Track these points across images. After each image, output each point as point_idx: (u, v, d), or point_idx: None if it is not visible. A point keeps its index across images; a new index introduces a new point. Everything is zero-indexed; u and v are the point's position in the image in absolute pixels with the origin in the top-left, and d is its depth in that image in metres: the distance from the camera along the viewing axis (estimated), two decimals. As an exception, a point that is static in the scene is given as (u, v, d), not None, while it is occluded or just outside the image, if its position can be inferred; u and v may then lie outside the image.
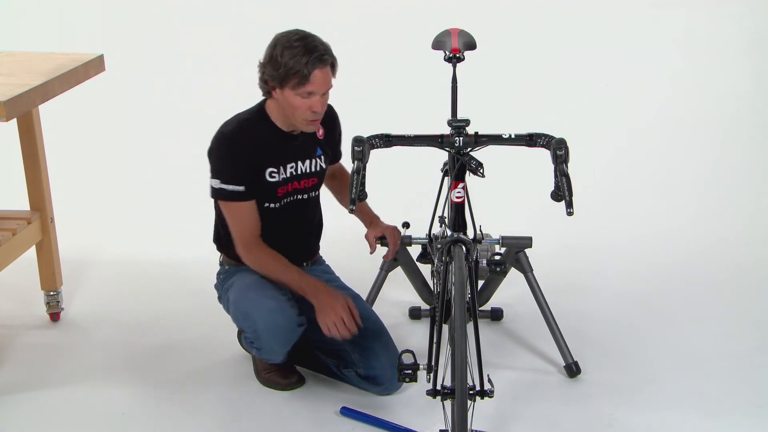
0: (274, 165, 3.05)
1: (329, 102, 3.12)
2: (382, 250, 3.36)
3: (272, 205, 3.09)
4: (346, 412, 3.02)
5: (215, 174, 3.03)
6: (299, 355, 3.20)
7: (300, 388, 3.19)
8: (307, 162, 3.12)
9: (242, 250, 3.07)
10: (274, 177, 3.05)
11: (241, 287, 3.09)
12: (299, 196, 3.14)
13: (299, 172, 3.11)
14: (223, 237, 3.18)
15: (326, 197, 3.35)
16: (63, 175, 4.22)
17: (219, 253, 3.27)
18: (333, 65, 2.94)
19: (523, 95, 5.25)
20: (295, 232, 3.18)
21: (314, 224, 3.27)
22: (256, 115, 3.06)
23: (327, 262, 3.38)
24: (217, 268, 3.28)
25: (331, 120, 3.20)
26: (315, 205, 3.24)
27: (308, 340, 3.13)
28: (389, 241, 3.32)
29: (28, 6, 5.55)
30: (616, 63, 5.34)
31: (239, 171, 3.00)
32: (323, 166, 3.19)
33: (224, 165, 3.01)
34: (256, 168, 3.02)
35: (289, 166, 3.08)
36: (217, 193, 3.04)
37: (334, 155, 3.27)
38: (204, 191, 4.08)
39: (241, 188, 3.00)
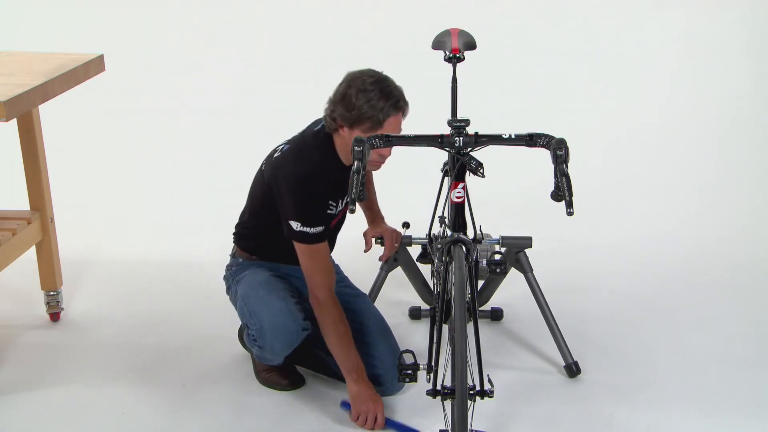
0: (334, 199, 3.00)
1: None
2: (378, 249, 3.36)
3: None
4: (348, 407, 3.03)
5: (295, 216, 2.92)
6: (300, 355, 3.20)
7: (300, 388, 3.19)
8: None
9: (322, 302, 2.99)
10: (332, 209, 3.01)
11: (252, 283, 3.09)
12: (341, 220, 3.15)
13: (344, 203, 3.08)
14: (246, 236, 3.17)
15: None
16: (63, 175, 4.22)
17: (231, 247, 3.26)
18: (404, 111, 2.90)
19: (523, 95, 5.26)
20: None
21: (336, 236, 3.25)
22: (327, 153, 2.97)
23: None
24: (220, 265, 3.28)
25: None
26: (339, 227, 3.22)
27: (310, 338, 3.13)
28: (386, 243, 3.32)
29: (28, 6, 5.55)
30: (616, 63, 5.34)
31: (321, 213, 2.94)
32: None
33: (306, 208, 2.93)
34: (324, 204, 2.98)
35: (342, 198, 3.04)
36: (299, 237, 2.94)
37: None
38: (204, 191, 4.10)
39: (320, 229, 2.94)
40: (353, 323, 3.09)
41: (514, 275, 3.41)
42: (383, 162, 2.95)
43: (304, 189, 2.92)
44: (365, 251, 3.34)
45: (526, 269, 3.35)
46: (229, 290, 3.24)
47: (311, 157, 2.96)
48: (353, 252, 3.65)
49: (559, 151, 2.65)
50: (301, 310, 3.03)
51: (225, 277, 3.26)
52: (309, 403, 3.12)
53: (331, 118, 2.90)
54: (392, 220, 3.43)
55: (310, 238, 2.94)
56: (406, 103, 2.91)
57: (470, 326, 2.68)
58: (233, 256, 3.25)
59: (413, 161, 4.19)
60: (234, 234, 3.26)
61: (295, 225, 2.93)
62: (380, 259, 3.42)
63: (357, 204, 2.66)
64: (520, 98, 5.22)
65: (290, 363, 3.20)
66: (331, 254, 3.35)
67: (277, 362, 3.12)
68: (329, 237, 3.10)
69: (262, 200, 3.08)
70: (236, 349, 3.41)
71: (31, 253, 3.56)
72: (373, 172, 3.32)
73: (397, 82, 2.92)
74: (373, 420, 2.96)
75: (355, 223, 3.35)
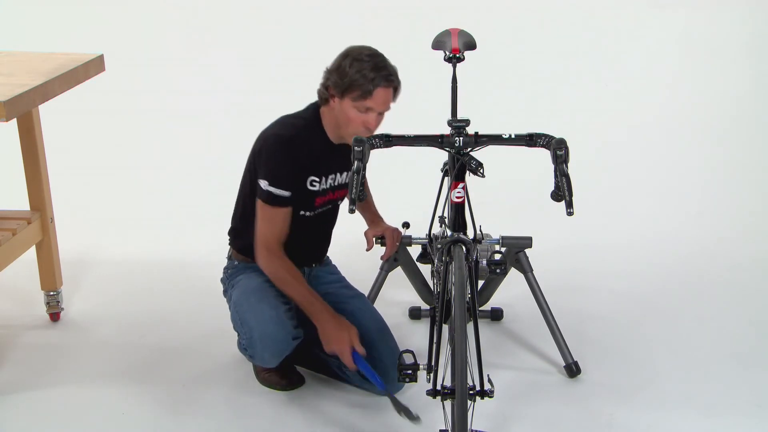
0: (317, 174, 3.05)
1: None
2: (378, 249, 3.36)
3: (307, 213, 3.09)
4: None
5: (265, 175, 2.99)
6: (299, 355, 3.20)
7: (300, 388, 3.19)
8: (345, 174, 3.13)
9: (262, 253, 3.04)
10: (314, 186, 3.05)
11: (244, 289, 3.09)
12: (329, 207, 3.16)
13: (336, 183, 3.12)
14: (240, 232, 3.18)
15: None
16: (63, 175, 4.21)
17: (228, 248, 3.27)
18: (396, 89, 2.97)
19: (523, 95, 5.26)
20: (315, 238, 3.20)
21: (332, 230, 3.28)
22: (312, 122, 3.04)
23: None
24: (219, 265, 3.28)
25: None
26: (335, 214, 3.24)
27: (309, 339, 3.13)
28: (387, 242, 3.32)
29: (28, 6, 5.55)
30: (616, 63, 5.34)
31: (290, 176, 2.99)
32: None
33: (276, 168, 2.98)
34: (302, 176, 3.02)
35: (330, 176, 3.08)
36: (264, 196, 2.99)
37: None
38: (204, 191, 4.10)
39: (287, 194, 2.99)
40: (348, 316, 3.10)
41: (514, 275, 3.41)
42: (369, 135, 2.92)
43: (279, 149, 2.99)
44: (367, 250, 3.34)
45: (526, 269, 3.35)
46: (225, 293, 3.25)
47: (294, 124, 3.04)
48: (353, 252, 3.66)
49: (559, 151, 2.66)
50: (293, 317, 3.02)
51: (222, 280, 3.27)
52: (309, 403, 3.12)
53: (324, 86, 2.99)
54: (392, 220, 3.43)
55: (275, 199, 2.98)
56: (398, 81, 2.97)
57: (470, 326, 2.69)
58: (229, 258, 3.26)
59: (413, 161, 4.19)
60: (228, 234, 3.26)
61: (264, 183, 2.99)
62: (381, 258, 3.42)
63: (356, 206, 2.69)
64: (520, 98, 5.22)
65: (289, 363, 3.20)
66: (329, 256, 3.37)
67: (272, 366, 3.12)
68: (320, 225, 3.14)
69: (251, 189, 3.10)
70: (236, 349, 3.40)
71: (31, 253, 3.56)
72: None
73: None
74: (350, 356, 2.95)
75: (355, 223, 3.36)
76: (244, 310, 3.04)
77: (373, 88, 2.89)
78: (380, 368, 3.06)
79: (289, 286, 3.03)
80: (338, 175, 3.12)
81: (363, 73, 2.88)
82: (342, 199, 3.20)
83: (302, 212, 3.08)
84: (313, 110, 3.06)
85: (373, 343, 3.08)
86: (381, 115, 2.97)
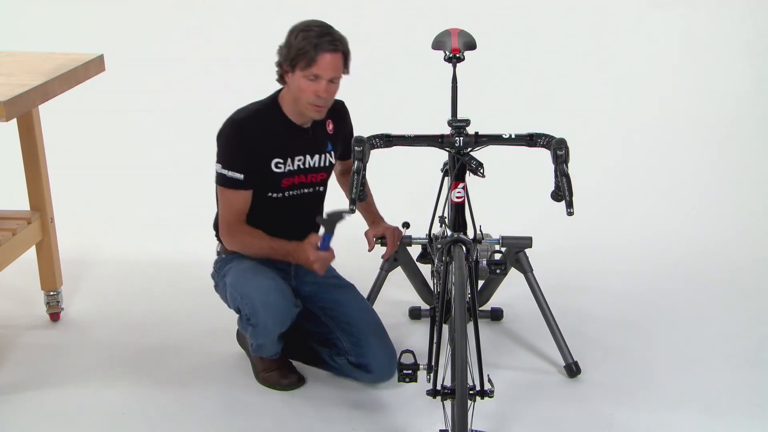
0: (280, 156, 3.07)
1: (342, 99, 3.17)
2: (380, 250, 3.36)
3: (275, 195, 3.11)
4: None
5: (219, 158, 3.06)
6: (294, 348, 3.22)
7: (300, 388, 3.19)
8: (317, 157, 3.14)
9: (224, 233, 3.11)
10: (279, 168, 3.07)
11: (238, 270, 3.11)
12: (305, 190, 3.16)
13: (307, 165, 3.13)
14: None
15: (331, 196, 3.33)
16: (63, 175, 4.21)
17: (217, 243, 3.28)
18: (345, 55, 2.98)
19: (523, 95, 5.25)
20: (294, 222, 3.18)
21: (316, 216, 3.26)
22: (269, 105, 3.09)
23: None
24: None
25: (340, 115, 3.22)
26: (319, 200, 3.24)
27: (302, 331, 3.17)
28: (388, 241, 3.32)
29: (28, 6, 5.55)
30: (616, 63, 5.34)
31: (242, 159, 3.02)
32: (332, 161, 3.20)
33: (228, 151, 3.04)
34: (262, 157, 3.04)
35: (297, 158, 3.10)
36: (218, 179, 3.08)
37: (345, 151, 3.26)
38: (204, 191, 4.07)
39: (239, 176, 3.02)
40: (339, 314, 3.13)
41: (514, 275, 3.41)
42: (322, 104, 2.99)
43: (230, 133, 3.05)
44: (369, 250, 3.34)
45: (526, 269, 3.35)
46: (217, 287, 3.26)
47: (248, 108, 3.10)
48: (353, 252, 3.65)
49: (559, 151, 2.66)
50: (290, 288, 3.06)
51: (212, 275, 3.27)
52: (309, 403, 3.12)
53: (277, 64, 3.02)
54: (392, 220, 3.43)
55: (228, 181, 3.03)
56: (345, 48, 2.98)
57: (470, 326, 2.69)
58: (218, 253, 3.28)
59: (413, 161, 4.19)
60: (214, 228, 3.28)
61: (218, 167, 3.06)
62: (383, 257, 3.42)
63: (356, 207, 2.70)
64: (520, 98, 5.21)
65: (285, 357, 3.21)
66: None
67: (273, 350, 3.12)
68: (296, 208, 3.15)
69: None
70: (236, 349, 3.41)
71: (31, 253, 3.56)
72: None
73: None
74: (325, 261, 3.01)
75: (355, 224, 3.35)
76: (242, 285, 3.06)
77: (317, 53, 2.90)
78: (368, 355, 3.08)
79: (255, 246, 3.08)
80: (308, 157, 3.12)
81: (307, 41, 2.92)
82: (321, 185, 3.19)
83: (270, 194, 3.10)
84: (273, 94, 3.11)
85: (362, 332, 3.10)
86: (333, 83, 2.98)
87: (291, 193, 3.13)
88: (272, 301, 2.99)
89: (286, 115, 3.07)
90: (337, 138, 3.18)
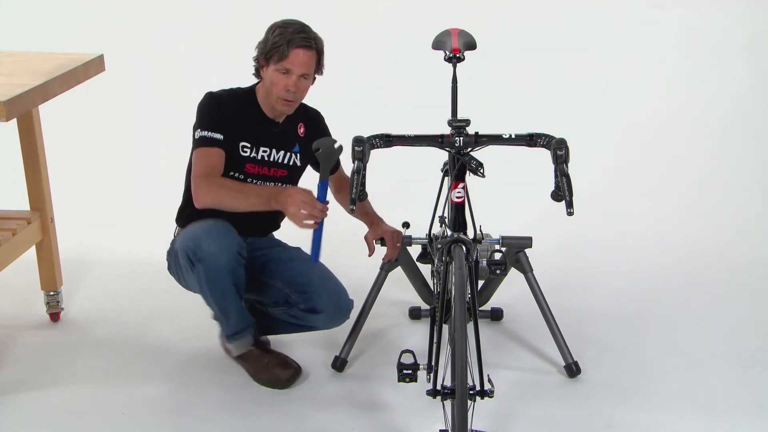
0: (248, 140, 3.12)
1: (317, 108, 3.26)
2: (381, 252, 3.35)
3: (237, 175, 3.14)
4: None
5: (198, 125, 3.09)
6: (259, 323, 3.25)
7: (299, 388, 3.19)
8: (282, 153, 3.19)
9: (199, 183, 3.02)
10: (245, 152, 3.13)
11: (184, 231, 3.12)
12: (268, 183, 3.19)
13: (272, 159, 3.17)
14: (184, 208, 3.25)
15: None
16: (63, 175, 4.22)
17: (175, 228, 3.31)
18: (318, 53, 3.06)
19: (523, 95, 5.26)
20: (253, 213, 3.09)
21: (278, 215, 3.24)
22: (247, 92, 3.18)
23: (305, 251, 3.28)
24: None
25: (314, 122, 3.28)
26: None
27: (258, 303, 3.27)
28: (388, 243, 3.32)
29: (28, 6, 5.55)
30: (615, 63, 5.34)
31: (222, 122, 3.07)
32: (297, 163, 3.23)
33: (208, 116, 3.09)
34: (232, 133, 3.08)
35: (262, 149, 3.15)
36: (197, 142, 3.07)
37: (313, 158, 3.19)
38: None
39: (219, 136, 3.06)
40: (282, 270, 3.18)
41: (514, 275, 3.41)
42: (291, 99, 3.05)
43: (208, 101, 3.11)
44: (369, 255, 3.33)
45: (526, 269, 3.35)
46: (170, 268, 3.24)
47: (226, 89, 3.17)
48: (353, 253, 3.66)
49: (559, 151, 2.66)
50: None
51: (166, 257, 3.25)
52: (309, 403, 3.12)
53: (254, 59, 3.12)
54: (392, 220, 3.43)
55: (207, 140, 3.05)
56: (319, 46, 3.06)
57: (470, 326, 2.69)
58: (175, 236, 3.27)
59: (413, 161, 4.19)
60: (176, 222, 3.31)
61: (197, 133, 3.08)
62: (383, 259, 3.41)
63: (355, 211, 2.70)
64: (520, 98, 5.22)
65: (260, 334, 3.25)
66: (329, 256, 3.36)
67: (238, 318, 3.12)
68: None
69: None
70: (236, 349, 3.41)
71: (31, 253, 3.56)
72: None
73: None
74: (314, 208, 2.89)
75: (355, 224, 3.35)
76: (186, 232, 3.07)
77: (289, 48, 2.99)
78: (314, 298, 3.13)
79: (232, 187, 3.03)
80: (274, 151, 3.17)
81: (282, 36, 3.00)
82: (282, 181, 3.20)
83: (232, 173, 3.12)
84: (251, 85, 3.20)
85: (304, 278, 3.15)
86: (304, 79, 3.05)
87: (253, 182, 3.16)
88: (215, 227, 3.00)
89: (260, 105, 3.14)
90: (306, 142, 3.19)
